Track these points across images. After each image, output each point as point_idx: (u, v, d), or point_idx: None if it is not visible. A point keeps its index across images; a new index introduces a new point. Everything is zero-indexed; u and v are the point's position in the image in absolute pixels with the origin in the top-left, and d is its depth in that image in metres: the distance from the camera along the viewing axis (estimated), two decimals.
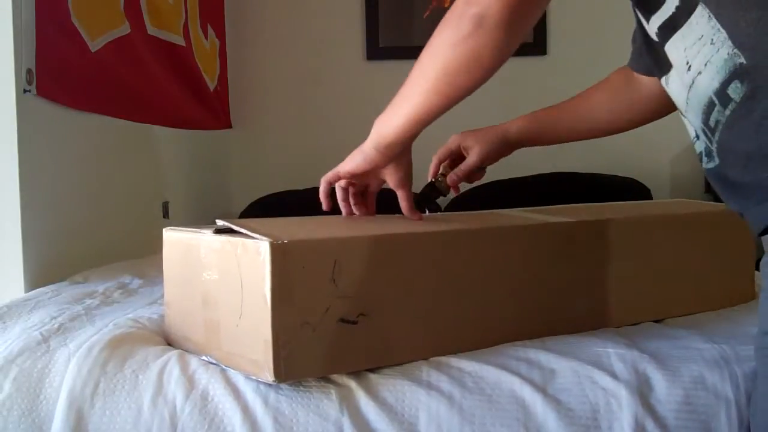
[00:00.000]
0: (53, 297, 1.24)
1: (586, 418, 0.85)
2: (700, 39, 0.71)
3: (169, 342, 1.02)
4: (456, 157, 1.15)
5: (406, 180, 0.98)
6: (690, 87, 0.75)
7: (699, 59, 0.72)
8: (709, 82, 0.71)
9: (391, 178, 0.98)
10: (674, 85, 0.78)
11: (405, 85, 0.88)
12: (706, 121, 0.75)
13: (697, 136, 0.78)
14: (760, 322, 0.75)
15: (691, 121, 0.79)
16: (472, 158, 1.12)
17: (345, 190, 1.02)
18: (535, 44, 2.66)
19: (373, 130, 0.93)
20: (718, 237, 1.20)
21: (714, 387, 0.87)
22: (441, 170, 1.14)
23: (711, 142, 0.75)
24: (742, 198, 0.74)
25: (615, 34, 2.72)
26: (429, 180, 1.14)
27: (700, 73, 0.72)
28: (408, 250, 0.91)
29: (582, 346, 0.96)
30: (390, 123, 0.90)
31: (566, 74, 2.64)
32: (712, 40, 0.70)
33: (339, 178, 1.00)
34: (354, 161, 0.96)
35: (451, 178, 1.12)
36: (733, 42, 0.68)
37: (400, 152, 0.94)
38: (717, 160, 0.76)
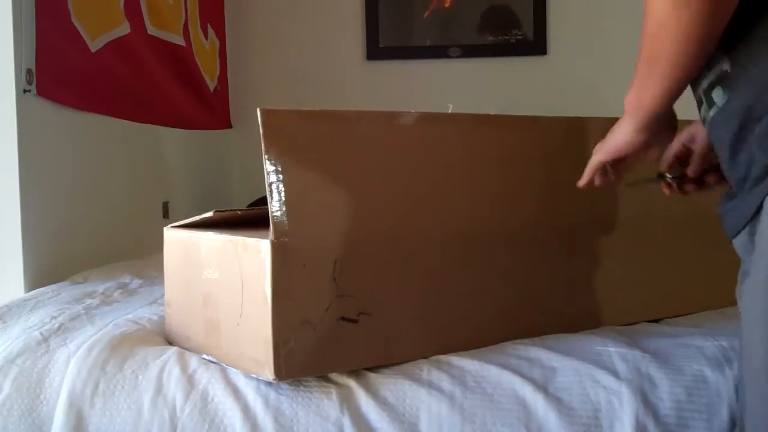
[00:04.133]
0: (53, 297, 1.24)
1: (587, 417, 0.85)
2: None
3: (170, 341, 1.02)
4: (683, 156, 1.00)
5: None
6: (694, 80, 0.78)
7: None
8: (701, 81, 0.75)
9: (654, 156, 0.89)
10: None
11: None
12: (699, 112, 0.79)
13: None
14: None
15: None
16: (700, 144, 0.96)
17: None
18: (535, 44, 2.66)
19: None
20: (718, 237, 1.20)
21: (716, 385, 0.87)
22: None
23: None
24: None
25: (615, 34, 2.72)
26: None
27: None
28: (408, 249, 0.91)
29: (583, 344, 0.96)
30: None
31: (566, 74, 2.64)
32: None
33: (604, 166, 0.91)
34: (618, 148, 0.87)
35: (692, 169, 0.95)
36: (724, 48, 0.71)
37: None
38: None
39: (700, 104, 0.77)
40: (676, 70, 0.73)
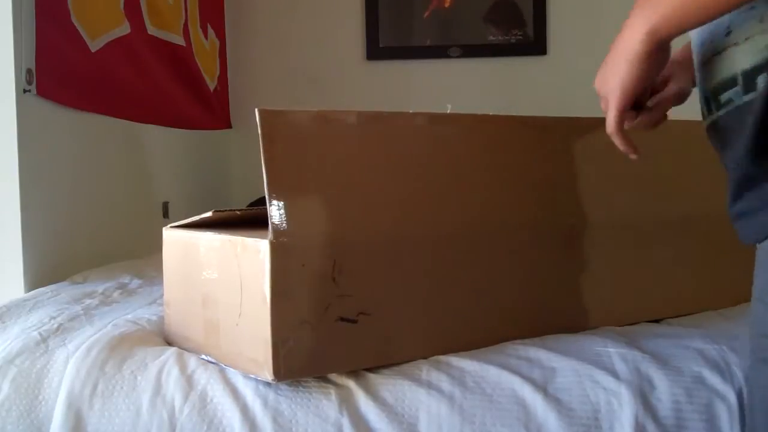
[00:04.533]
0: (52, 297, 1.24)
1: (586, 417, 0.85)
2: (751, 9, 0.65)
3: (169, 341, 1.01)
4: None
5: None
6: (720, 52, 0.69)
7: (742, 30, 0.66)
8: (741, 58, 0.66)
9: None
10: (697, 38, 0.73)
11: None
12: (716, 93, 0.70)
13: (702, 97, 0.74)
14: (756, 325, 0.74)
15: (698, 77, 0.74)
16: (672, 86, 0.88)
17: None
18: (535, 44, 2.66)
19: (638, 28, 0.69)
20: (719, 237, 1.20)
21: (714, 387, 0.87)
22: None
23: (711, 111, 0.71)
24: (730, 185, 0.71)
25: (615, 34, 2.72)
26: None
27: (736, 44, 0.67)
28: (408, 249, 0.91)
29: (582, 345, 0.96)
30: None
31: (566, 74, 2.64)
32: (762, 17, 0.64)
33: (624, 116, 0.76)
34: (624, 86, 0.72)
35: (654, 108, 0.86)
36: None
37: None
38: (714, 131, 0.72)
39: (730, 84, 0.67)
40: None
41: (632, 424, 0.84)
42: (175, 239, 1.02)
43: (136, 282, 1.41)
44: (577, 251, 1.06)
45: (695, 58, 0.76)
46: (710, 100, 0.72)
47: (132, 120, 1.86)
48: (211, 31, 2.47)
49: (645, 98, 0.84)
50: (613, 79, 0.74)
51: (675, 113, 0.93)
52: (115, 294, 1.30)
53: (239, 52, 2.71)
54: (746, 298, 1.23)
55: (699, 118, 0.79)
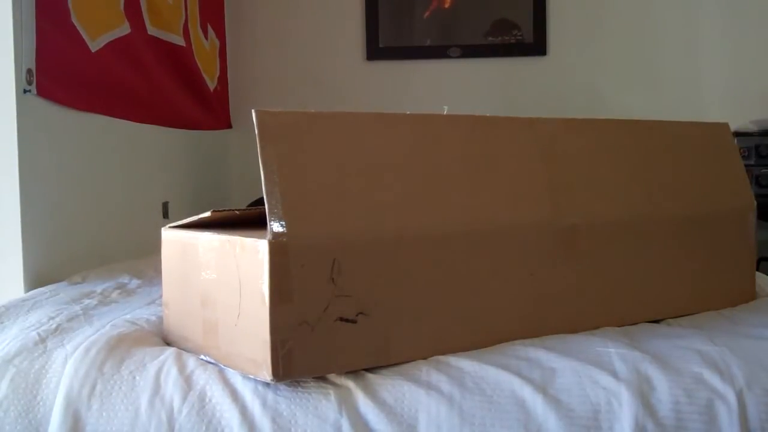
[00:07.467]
0: (51, 297, 1.24)
1: (586, 418, 0.84)
2: None
3: (168, 342, 1.01)
4: None
5: None
6: None
7: None
8: None
9: None
10: None
11: None
12: None
13: None
14: None
15: None
16: None
17: None
18: (535, 44, 2.66)
19: None
20: (718, 237, 1.20)
21: (714, 387, 0.86)
22: None
23: None
24: None
25: (614, 34, 2.73)
26: None
27: None
28: (407, 249, 0.91)
29: (582, 345, 0.96)
30: None
31: (566, 74, 2.64)
32: None
33: None
34: None
35: None
36: None
37: None
38: None
39: None
40: None
41: (632, 424, 0.83)
42: (173, 239, 1.02)
43: (134, 282, 1.41)
44: (578, 251, 1.06)
45: None
46: None
47: (132, 120, 1.86)
48: (211, 31, 2.47)
49: None
50: None
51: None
52: (114, 294, 1.30)
53: (239, 52, 2.72)
54: (746, 299, 1.24)
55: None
